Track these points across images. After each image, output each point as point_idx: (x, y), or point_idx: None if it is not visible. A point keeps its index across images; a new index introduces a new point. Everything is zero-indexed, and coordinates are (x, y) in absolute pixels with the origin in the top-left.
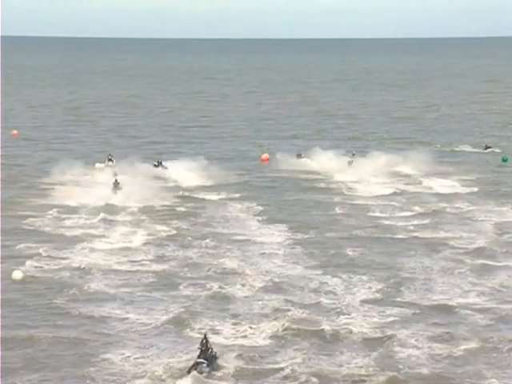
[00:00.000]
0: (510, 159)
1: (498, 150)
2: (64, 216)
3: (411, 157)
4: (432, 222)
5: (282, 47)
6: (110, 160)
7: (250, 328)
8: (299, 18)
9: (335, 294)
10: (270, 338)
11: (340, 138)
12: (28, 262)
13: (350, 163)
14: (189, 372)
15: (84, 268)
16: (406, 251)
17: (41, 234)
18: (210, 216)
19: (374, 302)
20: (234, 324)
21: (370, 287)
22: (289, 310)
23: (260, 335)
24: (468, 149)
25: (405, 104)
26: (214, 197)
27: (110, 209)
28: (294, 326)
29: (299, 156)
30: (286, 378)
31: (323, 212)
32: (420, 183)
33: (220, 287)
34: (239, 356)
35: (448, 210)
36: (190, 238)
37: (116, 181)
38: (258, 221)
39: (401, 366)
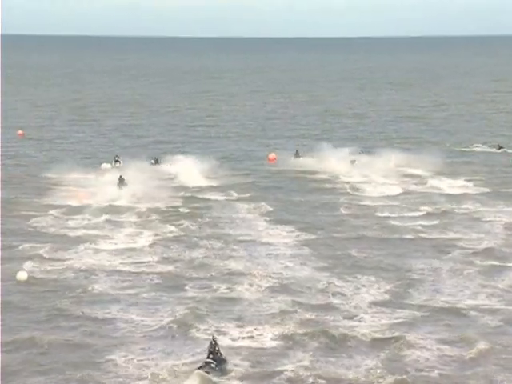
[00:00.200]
0: None
1: (510, 151)
2: (68, 216)
3: (420, 157)
4: (441, 223)
5: (282, 46)
6: (116, 161)
7: (257, 330)
8: (299, 16)
9: (343, 296)
10: (277, 339)
11: (347, 137)
12: (32, 263)
13: (352, 162)
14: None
15: (88, 269)
16: (415, 252)
17: (45, 234)
18: (216, 216)
19: (382, 303)
20: (241, 326)
21: (378, 288)
22: (296, 312)
23: (267, 337)
24: (478, 148)
25: (413, 103)
26: (220, 197)
27: (115, 209)
28: (302, 328)
29: (297, 155)
30: (292, 380)
31: (330, 212)
32: (429, 183)
33: (226, 288)
34: (246, 358)
35: (457, 210)
36: (196, 239)
37: (121, 177)
38: (265, 221)
39: (409, 369)
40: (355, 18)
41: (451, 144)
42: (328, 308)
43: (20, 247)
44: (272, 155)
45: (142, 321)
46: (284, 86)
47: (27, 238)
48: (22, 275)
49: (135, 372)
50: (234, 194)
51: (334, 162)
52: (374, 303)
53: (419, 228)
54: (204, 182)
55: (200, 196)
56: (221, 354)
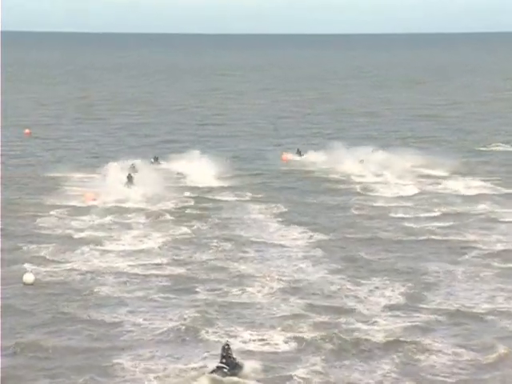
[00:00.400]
0: None
1: None
2: (75, 217)
3: (435, 156)
4: (456, 224)
5: (284, 43)
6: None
7: (269, 333)
8: (298, 12)
9: (357, 298)
10: (289, 343)
11: (360, 136)
12: (38, 265)
13: (361, 162)
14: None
15: (95, 271)
16: (430, 254)
17: (51, 235)
18: (226, 217)
19: (397, 306)
20: (252, 329)
21: (392, 291)
22: (309, 315)
23: (279, 341)
24: (495, 148)
25: (426, 101)
26: (231, 197)
27: (122, 209)
28: (314, 332)
29: (298, 153)
30: None
31: (343, 213)
32: (444, 183)
33: (237, 291)
34: (257, 362)
35: (473, 211)
36: (206, 240)
37: (129, 175)
38: (277, 222)
39: (425, 374)
40: (355, 14)
41: (467, 143)
42: (341, 311)
43: (25, 248)
44: (286, 154)
45: (151, 324)
46: (293, 84)
47: (33, 239)
48: (28, 277)
49: (143, 376)
50: (245, 195)
51: (343, 161)
52: (389, 306)
53: (434, 229)
54: (214, 182)
55: (210, 196)
56: (234, 359)
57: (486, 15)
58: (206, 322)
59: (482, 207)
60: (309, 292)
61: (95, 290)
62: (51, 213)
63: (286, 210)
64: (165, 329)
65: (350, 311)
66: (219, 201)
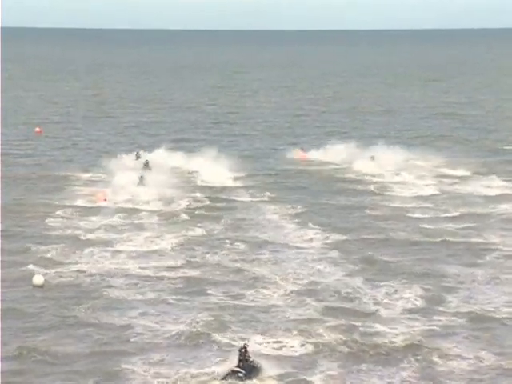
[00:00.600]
0: None
1: None
2: (85, 217)
3: (455, 155)
4: (477, 225)
5: (284, 40)
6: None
7: (284, 337)
8: (302, 9)
9: (374, 301)
10: (305, 347)
11: (378, 135)
12: (47, 267)
13: (372, 158)
14: (223, 379)
15: (106, 273)
16: (449, 256)
17: (61, 236)
18: (241, 218)
19: (415, 309)
20: (267, 333)
21: (410, 294)
22: (325, 318)
23: (295, 344)
24: None
25: (443, 99)
26: (245, 198)
27: (134, 210)
28: (331, 335)
29: (302, 151)
30: None
31: (360, 214)
32: (464, 183)
33: (252, 293)
34: (272, 366)
35: (494, 212)
36: (219, 242)
37: (141, 176)
38: (292, 223)
39: (444, 379)
40: (356, 11)
41: (488, 142)
42: (359, 314)
43: (34, 250)
44: (301, 153)
45: (162, 327)
46: (307, 82)
47: (42, 240)
48: (38, 279)
49: (154, 381)
50: (260, 195)
51: (359, 160)
52: (407, 309)
53: (454, 231)
54: (228, 182)
55: (224, 196)
56: (252, 362)
57: (485, 14)
58: (220, 326)
59: (503, 208)
60: (325, 294)
61: (105, 293)
62: (61, 213)
63: (302, 210)
64: (177, 332)
65: (367, 314)
66: (233, 201)
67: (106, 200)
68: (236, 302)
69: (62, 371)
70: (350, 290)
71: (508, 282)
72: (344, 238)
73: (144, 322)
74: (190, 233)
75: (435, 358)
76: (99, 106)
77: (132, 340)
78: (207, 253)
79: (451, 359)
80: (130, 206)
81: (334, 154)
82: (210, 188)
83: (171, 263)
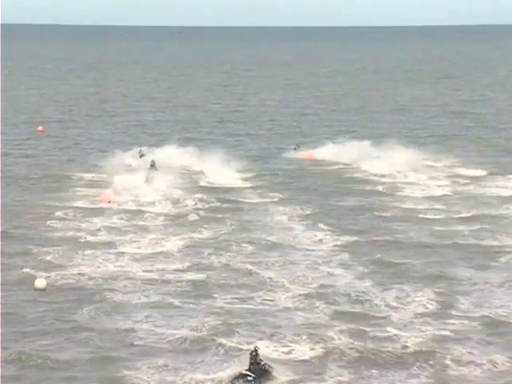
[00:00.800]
0: None
1: None
2: (89, 218)
3: (468, 155)
4: (490, 227)
5: (285, 36)
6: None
7: (293, 341)
8: (298, 5)
9: (385, 305)
10: (314, 352)
11: (388, 134)
12: (48, 269)
13: (378, 158)
14: (232, 382)
15: (109, 276)
16: (462, 259)
17: (63, 238)
18: (248, 219)
19: (427, 314)
20: (276, 337)
21: (422, 297)
22: (335, 323)
23: (304, 349)
24: None
25: (457, 97)
26: (252, 198)
27: (139, 211)
28: (341, 340)
29: (298, 147)
30: None
31: (370, 215)
32: (478, 184)
33: (260, 297)
34: (281, 372)
35: (509, 213)
36: (226, 244)
37: (154, 166)
38: (301, 225)
39: None
40: (355, 7)
41: (502, 141)
42: (369, 318)
43: (36, 252)
44: (309, 153)
45: (167, 332)
46: (315, 79)
47: (43, 243)
48: (40, 283)
49: None
50: (267, 195)
51: (370, 160)
52: (419, 314)
53: (467, 232)
54: (235, 183)
55: (231, 197)
56: (264, 365)
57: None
58: (226, 330)
59: None
60: (335, 298)
61: (108, 296)
62: (63, 214)
63: (310, 211)
64: (182, 336)
65: (378, 318)
66: (240, 202)
67: (110, 202)
68: (243, 306)
69: (63, 377)
70: (360, 294)
71: None
72: (354, 239)
73: (148, 326)
74: (197, 234)
75: (448, 363)
76: (101, 105)
77: (135, 345)
78: (214, 255)
79: (464, 364)
80: (134, 206)
81: (343, 153)
82: (217, 189)
83: (177, 266)
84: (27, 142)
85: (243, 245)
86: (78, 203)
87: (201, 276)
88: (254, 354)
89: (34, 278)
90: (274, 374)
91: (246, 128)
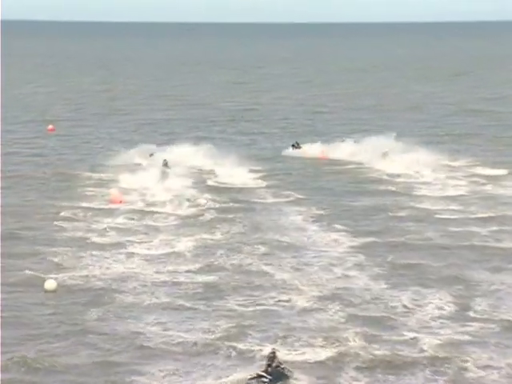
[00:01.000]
0: None
1: None
2: (98, 219)
3: (486, 154)
4: (509, 229)
5: (288, 33)
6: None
7: (307, 345)
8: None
9: (401, 308)
10: (329, 355)
11: (404, 133)
12: (57, 271)
13: (384, 155)
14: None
15: (119, 277)
16: (479, 261)
17: (72, 238)
18: (261, 220)
19: (445, 317)
20: (288, 340)
21: (440, 300)
22: (350, 326)
23: (318, 353)
24: None
25: (473, 95)
26: (265, 199)
27: (150, 211)
28: (356, 343)
29: (297, 145)
30: None
31: (385, 215)
32: (496, 184)
33: (273, 299)
34: (295, 377)
35: None
36: (239, 245)
37: (166, 165)
38: (314, 225)
39: None
40: (356, 4)
41: None
42: (385, 320)
43: (44, 253)
44: (323, 152)
45: (178, 335)
46: (328, 76)
47: (52, 243)
48: (50, 284)
49: None
50: (281, 196)
51: (385, 159)
52: (435, 316)
53: (484, 234)
54: (248, 182)
55: (243, 197)
56: (282, 369)
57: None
58: (239, 333)
59: None
60: (350, 300)
61: (117, 299)
62: (71, 214)
63: (324, 211)
64: (193, 340)
65: (394, 321)
66: (253, 202)
67: (121, 202)
68: (256, 308)
69: (70, 381)
70: (375, 296)
71: None
72: (369, 240)
73: (158, 328)
74: (208, 235)
75: (465, 367)
76: (111, 103)
77: (145, 348)
78: (226, 256)
79: (482, 368)
80: (144, 206)
81: (358, 152)
82: (229, 188)
83: (188, 267)
84: (36, 141)
85: (256, 246)
86: (88, 203)
87: (212, 277)
88: (271, 356)
89: (42, 279)
90: (292, 379)
91: (258, 126)
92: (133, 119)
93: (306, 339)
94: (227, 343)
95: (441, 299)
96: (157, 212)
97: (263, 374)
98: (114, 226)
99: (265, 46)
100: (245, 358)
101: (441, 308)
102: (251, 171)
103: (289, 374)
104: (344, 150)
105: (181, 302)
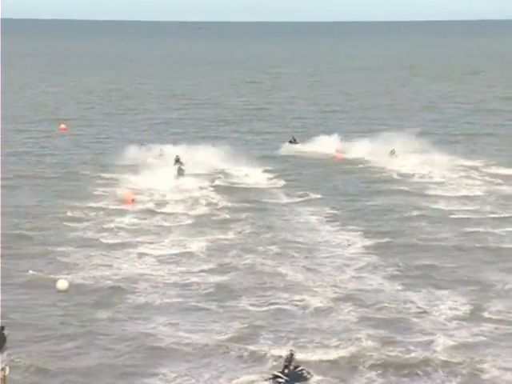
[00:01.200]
0: None
1: None
2: (110, 219)
3: (503, 153)
4: None
5: (291, 32)
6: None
7: (320, 346)
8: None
9: (416, 309)
10: (343, 357)
11: (418, 132)
12: (68, 271)
13: (392, 153)
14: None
15: (131, 277)
16: (495, 262)
17: (83, 238)
18: (274, 220)
19: (460, 319)
20: (302, 342)
21: (454, 302)
22: (364, 328)
23: (331, 354)
24: None
25: (489, 94)
26: (278, 199)
27: (162, 211)
28: (370, 344)
29: (294, 141)
30: None
31: (399, 216)
32: None
33: (286, 300)
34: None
35: None
36: (252, 245)
37: (179, 162)
38: (328, 226)
39: None
40: (358, 2)
41: None
42: (399, 322)
43: (56, 253)
44: (339, 152)
45: (190, 336)
46: (341, 75)
47: (64, 242)
48: (62, 284)
49: None
50: (294, 195)
51: (399, 159)
52: (451, 318)
53: (502, 234)
54: (260, 182)
55: (256, 197)
56: (301, 370)
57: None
58: (252, 334)
59: None
60: (364, 301)
61: (129, 300)
62: (85, 215)
63: (338, 212)
64: (205, 341)
65: (408, 323)
66: (266, 202)
67: (133, 201)
68: (269, 309)
69: (80, 382)
70: (389, 297)
71: None
72: (383, 241)
73: (170, 330)
74: (221, 235)
75: (480, 368)
76: (122, 102)
77: (156, 349)
78: (238, 256)
79: (497, 369)
80: (155, 206)
81: (373, 152)
82: (241, 188)
83: (200, 267)
84: (47, 141)
85: (269, 246)
86: (99, 203)
87: (225, 278)
88: (289, 357)
89: (52, 280)
90: (310, 381)
91: (271, 126)
92: (144, 118)
93: (319, 340)
94: (239, 344)
95: (455, 300)
96: (168, 212)
97: (279, 374)
98: (126, 226)
99: (266, 46)
100: (257, 359)
101: (455, 309)
102: (264, 171)
103: (308, 376)
104: (358, 150)
105: (193, 302)
